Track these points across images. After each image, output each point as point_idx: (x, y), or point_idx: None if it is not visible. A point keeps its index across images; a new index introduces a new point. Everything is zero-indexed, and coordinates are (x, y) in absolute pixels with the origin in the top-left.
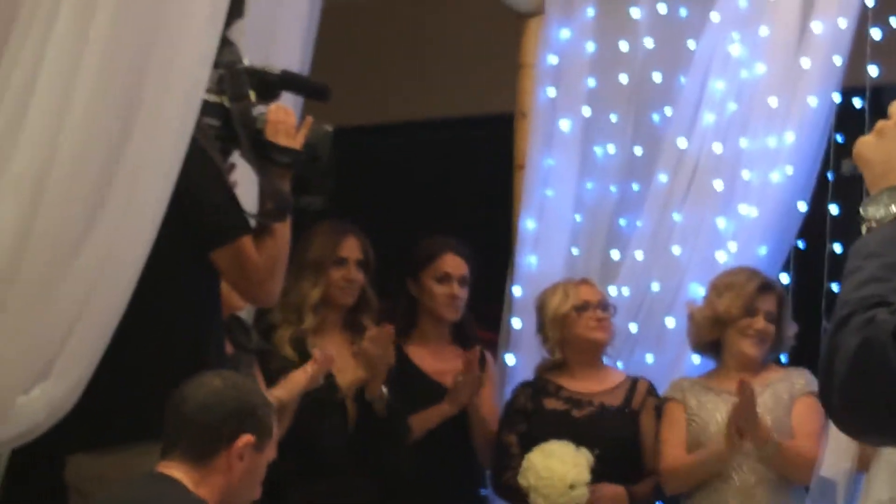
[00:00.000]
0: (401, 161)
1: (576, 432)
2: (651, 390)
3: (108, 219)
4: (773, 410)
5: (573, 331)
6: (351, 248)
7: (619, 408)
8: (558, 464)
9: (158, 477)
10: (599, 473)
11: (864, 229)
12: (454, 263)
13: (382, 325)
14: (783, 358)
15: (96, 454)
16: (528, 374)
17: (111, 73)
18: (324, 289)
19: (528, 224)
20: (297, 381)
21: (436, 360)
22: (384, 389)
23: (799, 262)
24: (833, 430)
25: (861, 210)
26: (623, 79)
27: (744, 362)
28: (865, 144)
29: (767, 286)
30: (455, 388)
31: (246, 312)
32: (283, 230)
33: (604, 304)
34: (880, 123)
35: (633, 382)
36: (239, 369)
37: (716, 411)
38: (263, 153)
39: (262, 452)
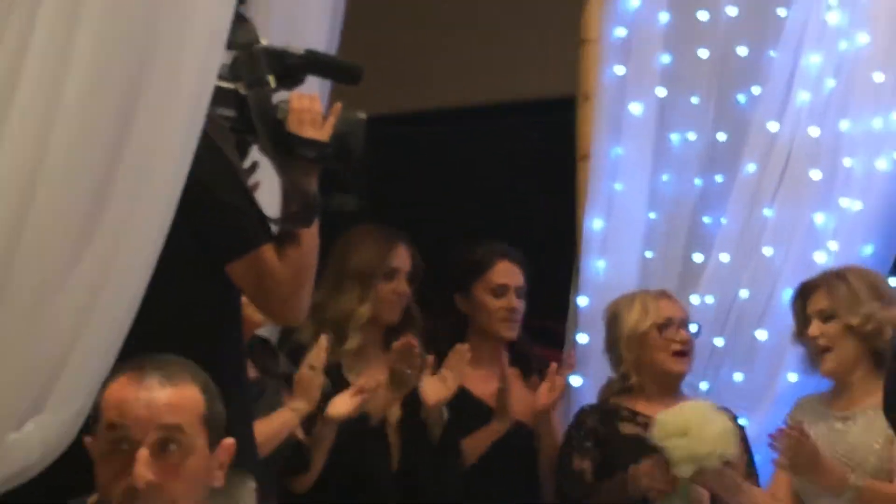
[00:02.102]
0: (444, 154)
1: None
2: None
3: (108, 226)
4: (864, 443)
5: (651, 354)
6: (402, 257)
7: None
8: (704, 417)
9: None
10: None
11: None
12: (509, 272)
13: (430, 346)
14: None
15: None
16: (595, 396)
17: (108, 57)
18: (373, 304)
19: (594, 224)
20: (313, 385)
21: (489, 383)
22: (444, 412)
23: None
24: None
25: None
26: (703, 54)
27: (833, 381)
28: None
29: (810, 287)
30: (500, 400)
31: (268, 330)
32: (310, 236)
33: (686, 322)
34: None
35: None
36: (264, 397)
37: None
38: (286, 147)
39: None
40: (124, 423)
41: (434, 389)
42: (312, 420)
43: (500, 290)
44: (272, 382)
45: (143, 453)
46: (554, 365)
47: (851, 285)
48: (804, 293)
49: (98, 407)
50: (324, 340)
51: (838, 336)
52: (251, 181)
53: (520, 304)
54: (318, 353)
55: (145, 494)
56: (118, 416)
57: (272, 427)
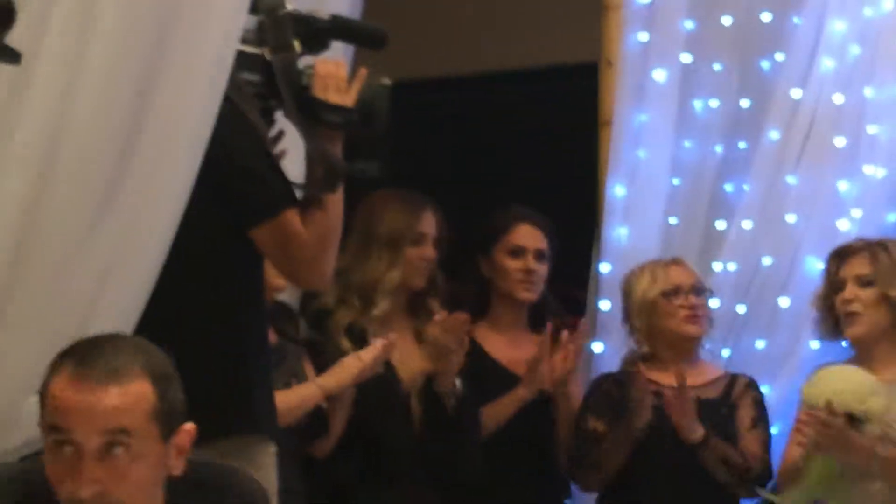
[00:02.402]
0: (467, 120)
1: (671, 428)
2: (752, 385)
3: (129, 192)
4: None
5: (662, 321)
6: (429, 223)
7: (718, 401)
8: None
9: None
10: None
11: None
12: (529, 234)
13: (455, 311)
14: None
15: None
16: (617, 363)
17: (131, 23)
18: (401, 270)
19: (616, 191)
20: (349, 369)
21: (511, 348)
22: (458, 383)
23: None
24: None
25: None
26: (726, 20)
27: (858, 348)
28: None
29: (848, 250)
30: (532, 368)
31: (289, 295)
32: (335, 201)
33: (698, 289)
34: None
35: (733, 378)
36: (285, 362)
37: None
38: (311, 112)
39: None
40: (67, 428)
41: (411, 365)
42: None
43: (519, 252)
44: (293, 348)
45: (87, 465)
46: (565, 333)
47: (893, 256)
48: (841, 256)
49: (42, 397)
50: (389, 345)
51: (873, 303)
52: (278, 149)
53: (539, 267)
54: (376, 354)
55: (92, 502)
56: (61, 420)
57: (294, 399)
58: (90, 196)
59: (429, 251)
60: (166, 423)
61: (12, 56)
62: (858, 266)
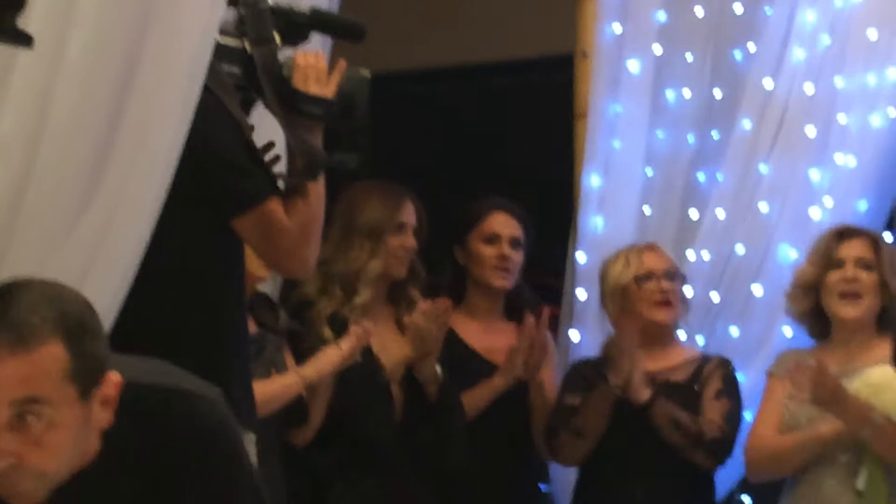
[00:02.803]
0: (444, 112)
1: (630, 417)
2: (724, 363)
3: (108, 189)
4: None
5: (634, 306)
6: (409, 212)
7: (684, 384)
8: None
9: None
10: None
11: None
12: (503, 222)
13: (436, 299)
14: None
15: None
16: (594, 351)
17: (109, 20)
18: (383, 259)
19: (592, 180)
20: (329, 358)
21: (486, 335)
22: (438, 369)
23: None
24: None
25: None
26: (699, 11)
27: (844, 330)
28: None
29: (850, 231)
30: (509, 356)
31: (269, 286)
32: (317, 190)
33: (671, 274)
34: None
35: (706, 359)
36: (264, 353)
37: None
38: (291, 104)
39: None
40: None
41: (392, 353)
42: None
43: (493, 238)
44: (273, 339)
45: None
46: (529, 321)
47: (890, 249)
48: (841, 236)
49: None
50: (365, 333)
51: (871, 287)
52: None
53: (514, 254)
54: (355, 343)
55: (8, 474)
56: None
57: (274, 389)
58: (70, 194)
59: (410, 240)
60: (84, 380)
61: (25, 40)
62: (861, 248)
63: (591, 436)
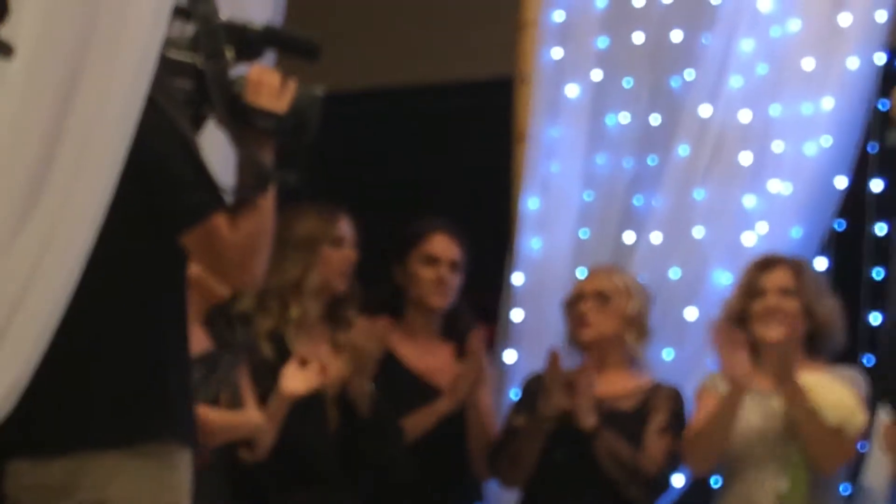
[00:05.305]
0: (384, 133)
1: (573, 440)
2: (674, 395)
3: (50, 198)
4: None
5: (570, 327)
6: (346, 228)
7: (632, 414)
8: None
9: None
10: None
11: None
12: (443, 244)
13: (375, 318)
14: None
15: (39, 461)
16: (529, 372)
17: (54, 27)
18: (321, 272)
19: (530, 203)
20: (292, 393)
21: (424, 355)
22: (370, 387)
23: (837, 245)
24: (877, 437)
25: None
26: (638, 38)
27: (771, 354)
28: None
29: (773, 261)
30: (455, 381)
31: None
32: (266, 203)
33: (600, 295)
34: None
35: (657, 388)
36: (217, 371)
37: (748, 413)
38: (243, 118)
39: None
40: None
41: (293, 380)
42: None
43: (433, 260)
44: (227, 357)
45: None
46: (474, 343)
47: (813, 275)
48: (763, 266)
49: None
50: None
51: (794, 314)
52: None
53: (452, 278)
54: (312, 381)
55: None
56: None
57: (232, 422)
58: (12, 202)
59: (350, 253)
60: None
61: (4, 50)
62: (782, 277)
63: (526, 460)
